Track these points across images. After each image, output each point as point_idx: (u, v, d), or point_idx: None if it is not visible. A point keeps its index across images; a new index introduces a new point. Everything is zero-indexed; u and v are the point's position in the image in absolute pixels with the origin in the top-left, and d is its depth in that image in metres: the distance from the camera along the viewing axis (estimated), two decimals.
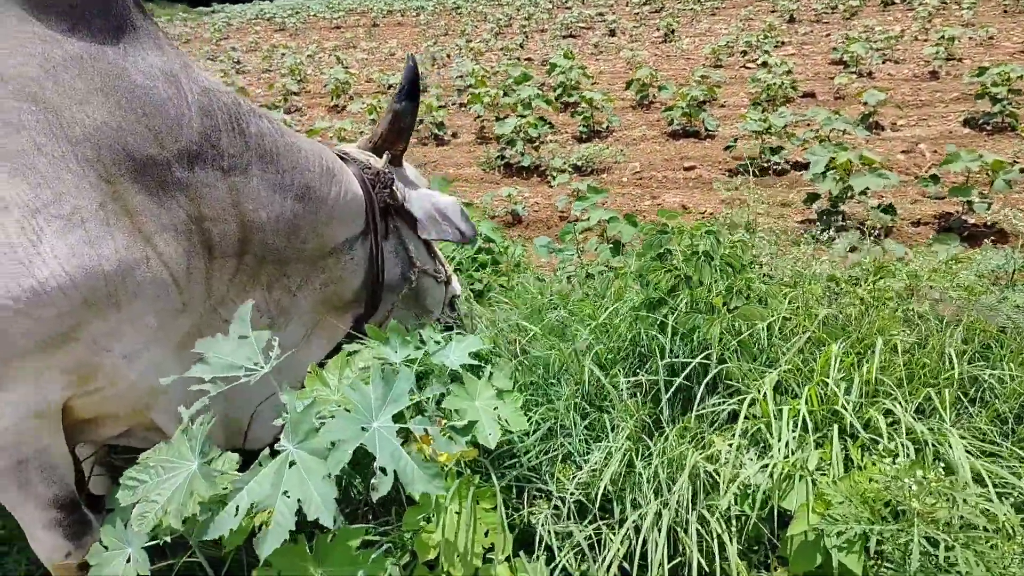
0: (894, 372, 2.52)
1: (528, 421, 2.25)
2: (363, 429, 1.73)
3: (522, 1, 28.33)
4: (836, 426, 2.11)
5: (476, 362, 2.16)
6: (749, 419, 2.23)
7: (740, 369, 2.45)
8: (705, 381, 2.47)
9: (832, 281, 3.29)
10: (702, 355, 2.51)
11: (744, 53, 14.00)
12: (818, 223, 5.62)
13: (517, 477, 2.16)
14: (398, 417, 1.79)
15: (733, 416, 2.38)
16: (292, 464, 1.71)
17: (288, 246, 2.23)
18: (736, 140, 7.65)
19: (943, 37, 11.65)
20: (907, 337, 2.76)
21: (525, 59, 15.76)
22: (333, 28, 27.97)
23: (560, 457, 2.24)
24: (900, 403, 2.24)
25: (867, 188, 5.43)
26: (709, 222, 3.82)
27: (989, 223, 5.58)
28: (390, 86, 12.35)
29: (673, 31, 17.28)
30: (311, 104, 12.72)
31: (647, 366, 2.63)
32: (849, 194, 5.58)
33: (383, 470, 1.67)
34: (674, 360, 2.50)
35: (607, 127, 9.31)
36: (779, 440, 2.04)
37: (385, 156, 2.72)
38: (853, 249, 4.13)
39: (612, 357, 2.72)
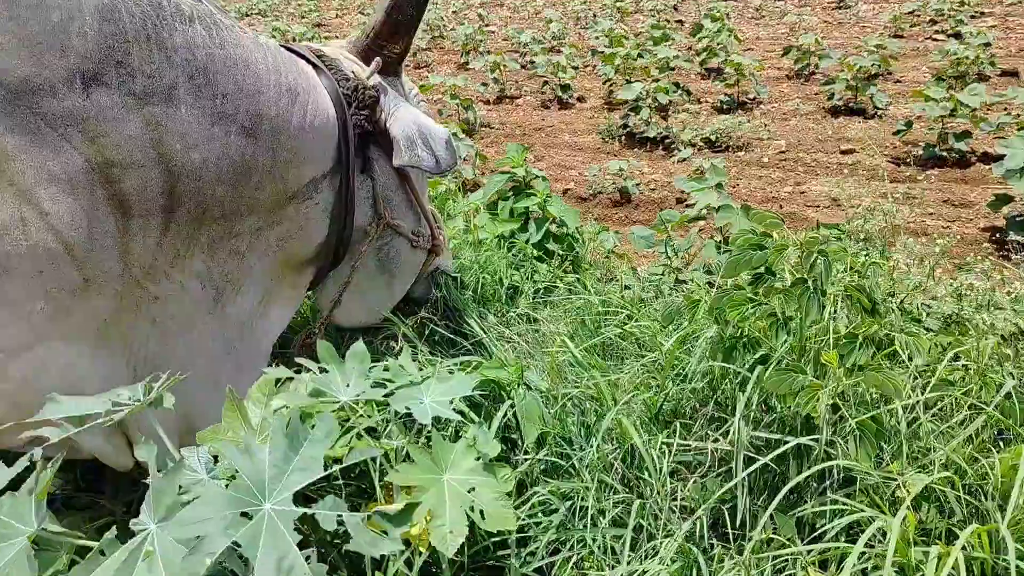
0: None
1: (528, 508, 1.60)
2: (244, 515, 1.16)
3: None
4: None
5: (456, 416, 1.52)
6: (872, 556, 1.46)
7: (860, 464, 1.66)
8: (805, 473, 1.71)
9: (1018, 322, 2.35)
10: (805, 436, 1.74)
11: (932, 22, 12.06)
12: (1008, 234, 4.44)
13: None
14: (301, 497, 1.22)
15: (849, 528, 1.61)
16: (148, 552, 1.18)
17: (235, 196, 1.68)
18: (910, 123, 6.37)
19: None
20: None
21: (676, 21, 14.52)
22: None
23: (573, 559, 1.58)
24: None
25: None
26: (841, 226, 2.93)
27: None
28: (524, 44, 11.67)
29: None
30: (442, 60, 12.30)
31: (723, 428, 1.90)
32: None
33: None
34: (756, 435, 1.75)
35: (753, 98, 8.18)
36: None
37: (375, 62, 2.11)
38: None
39: (673, 408, 1.99)
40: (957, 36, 10.17)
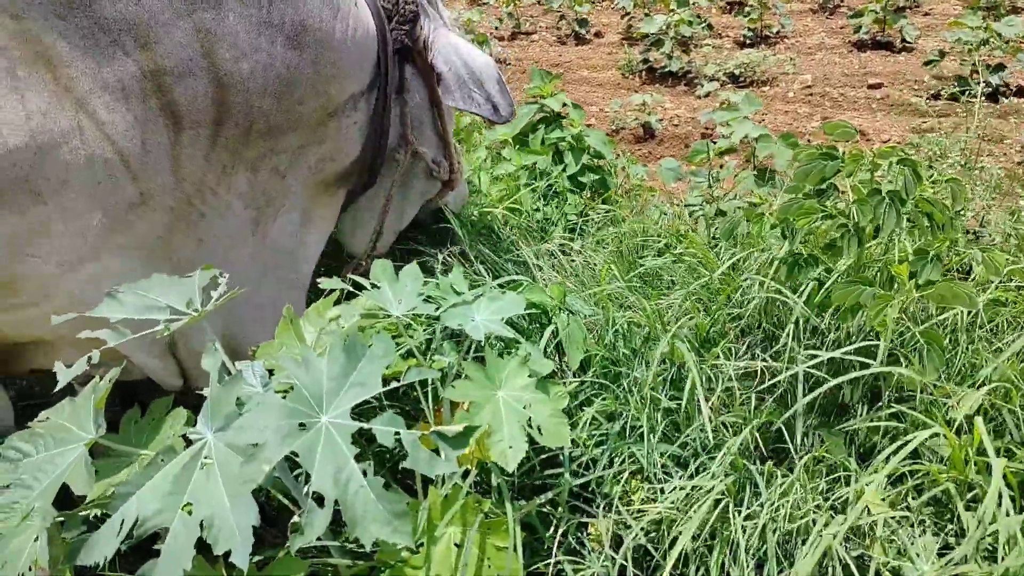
0: None
1: (580, 422, 1.59)
2: (301, 426, 1.15)
3: None
4: None
5: (510, 332, 1.48)
6: (927, 466, 1.44)
7: (919, 376, 1.63)
8: (861, 384, 1.69)
9: None
10: (861, 344, 1.71)
11: None
12: None
13: (553, 501, 1.52)
14: (361, 410, 1.20)
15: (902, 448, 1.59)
16: (206, 462, 1.17)
17: (279, 109, 1.65)
18: (943, 53, 6.16)
19: None
20: None
21: None
22: None
23: (624, 476, 1.57)
24: None
25: None
26: (900, 149, 2.84)
27: None
28: None
29: None
30: None
31: (774, 350, 1.86)
32: None
33: (319, 499, 1.09)
34: (816, 351, 1.71)
35: (777, 32, 7.91)
36: (978, 523, 1.24)
37: None
38: None
39: (721, 330, 1.96)
40: None
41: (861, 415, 1.73)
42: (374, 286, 1.49)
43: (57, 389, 1.28)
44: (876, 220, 1.68)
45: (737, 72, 6.53)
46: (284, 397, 1.16)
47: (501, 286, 2.03)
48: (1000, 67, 5.76)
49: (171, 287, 1.38)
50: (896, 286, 1.66)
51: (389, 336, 1.27)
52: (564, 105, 3.24)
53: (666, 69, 6.69)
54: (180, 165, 1.55)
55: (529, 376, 1.41)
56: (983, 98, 5.77)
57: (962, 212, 2.28)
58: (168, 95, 1.46)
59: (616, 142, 5.49)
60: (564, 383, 1.81)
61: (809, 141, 5.22)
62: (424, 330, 1.69)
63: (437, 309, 1.46)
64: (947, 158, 2.44)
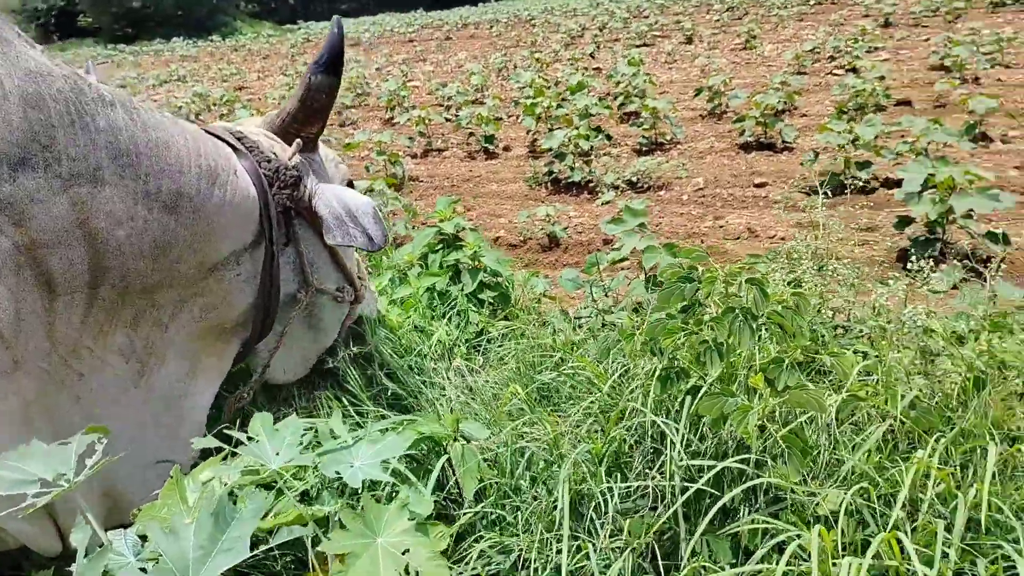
0: (1014, 492, 1.75)
1: (470, 557, 1.61)
2: None
3: (597, 12, 27.65)
4: None
5: (387, 477, 1.52)
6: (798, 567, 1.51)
7: (786, 479, 1.73)
8: (728, 494, 1.77)
9: (928, 336, 2.50)
10: (737, 457, 1.81)
11: (832, 59, 12.88)
12: (912, 253, 4.72)
13: None
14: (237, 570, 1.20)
15: (780, 547, 1.67)
16: None
17: (156, 269, 1.71)
18: (816, 153, 6.75)
19: None
20: None
21: (594, 69, 15.07)
22: (406, 42, 28.03)
23: None
24: None
25: (971, 210, 4.51)
26: (767, 255, 3.07)
27: None
28: (449, 97, 11.90)
29: (755, 37, 16.22)
30: (367, 117, 12.42)
31: (659, 465, 1.95)
32: (950, 217, 4.66)
33: None
34: (692, 463, 1.80)
35: (671, 139, 8.52)
36: None
37: (296, 143, 2.19)
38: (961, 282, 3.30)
39: (617, 449, 2.04)
40: (854, 71, 10.85)
41: (743, 518, 1.81)
42: (252, 439, 1.51)
43: None
44: (732, 335, 1.83)
45: (635, 179, 6.95)
46: (146, 569, 1.16)
47: (396, 420, 2.06)
48: (867, 163, 6.34)
49: (48, 455, 1.36)
50: (757, 395, 1.79)
51: (263, 495, 1.29)
52: (461, 228, 3.40)
53: (569, 180, 7.07)
54: (55, 329, 1.57)
55: (410, 519, 1.44)
56: (856, 192, 6.30)
57: (819, 313, 2.47)
58: (42, 265, 1.49)
59: (524, 252, 5.71)
60: (458, 516, 1.83)
61: (703, 241, 5.55)
62: (312, 474, 1.70)
63: (317, 457, 1.49)
64: (805, 261, 2.65)
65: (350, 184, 2.66)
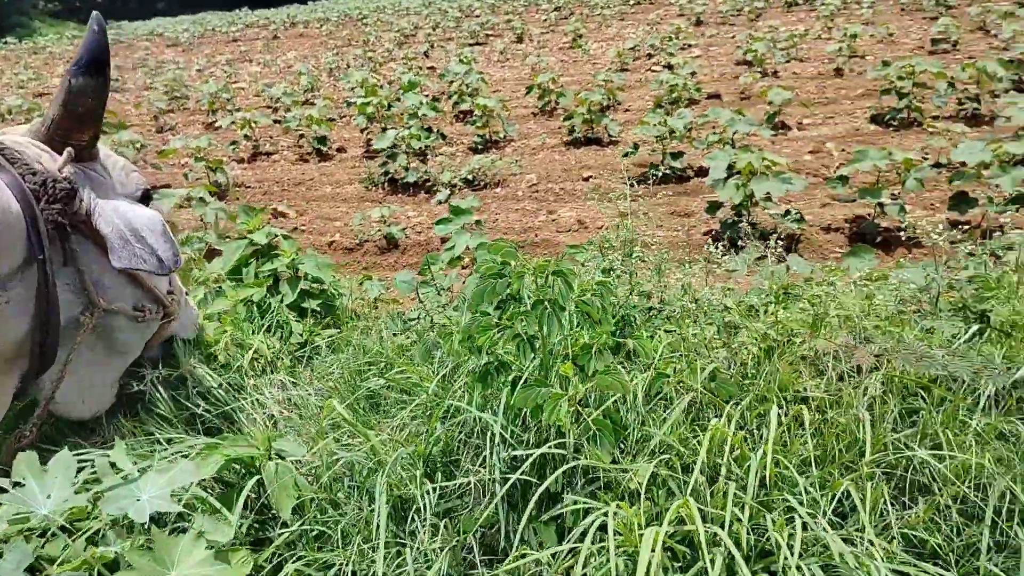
0: (800, 446, 1.92)
1: None
2: None
3: (429, 11, 27.65)
4: (720, 556, 1.48)
5: (177, 508, 1.41)
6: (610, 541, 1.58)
7: (600, 460, 1.80)
8: (550, 479, 1.82)
9: (726, 312, 2.71)
10: (554, 442, 1.86)
11: (650, 56, 13.69)
12: (722, 235, 5.11)
13: None
14: None
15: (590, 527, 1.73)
16: None
17: None
18: (637, 146, 7.14)
19: (846, 34, 11.55)
20: (815, 391, 2.18)
21: (428, 68, 15.05)
22: (230, 42, 26.58)
23: None
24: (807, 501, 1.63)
25: (769, 193, 4.96)
26: (584, 246, 3.19)
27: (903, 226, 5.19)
28: (276, 99, 11.41)
29: (581, 36, 16.90)
30: (187, 122, 11.63)
31: (482, 460, 1.96)
32: (752, 201, 5.09)
33: None
34: (515, 452, 1.83)
35: (504, 136, 8.68)
36: None
37: (67, 153, 1.98)
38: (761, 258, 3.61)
39: (444, 448, 2.03)
40: (670, 67, 11.59)
41: (566, 502, 1.86)
42: (17, 484, 1.34)
43: None
44: (543, 326, 1.87)
45: (471, 177, 7.02)
46: None
47: (202, 444, 1.93)
48: (679, 154, 6.79)
49: None
50: (568, 384, 1.85)
51: (24, 545, 1.15)
52: (275, 236, 3.25)
53: (405, 180, 7.01)
54: None
55: (208, 547, 1.35)
56: (674, 181, 6.73)
57: (629, 297, 2.60)
58: None
59: (361, 255, 5.59)
60: (274, 538, 1.74)
61: (537, 235, 5.70)
62: (105, 516, 1.55)
63: (94, 494, 1.35)
64: (615, 249, 2.79)
65: (147, 193, 2.44)
